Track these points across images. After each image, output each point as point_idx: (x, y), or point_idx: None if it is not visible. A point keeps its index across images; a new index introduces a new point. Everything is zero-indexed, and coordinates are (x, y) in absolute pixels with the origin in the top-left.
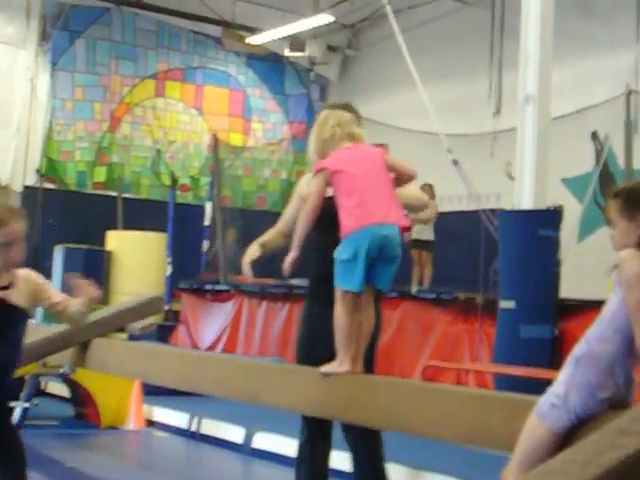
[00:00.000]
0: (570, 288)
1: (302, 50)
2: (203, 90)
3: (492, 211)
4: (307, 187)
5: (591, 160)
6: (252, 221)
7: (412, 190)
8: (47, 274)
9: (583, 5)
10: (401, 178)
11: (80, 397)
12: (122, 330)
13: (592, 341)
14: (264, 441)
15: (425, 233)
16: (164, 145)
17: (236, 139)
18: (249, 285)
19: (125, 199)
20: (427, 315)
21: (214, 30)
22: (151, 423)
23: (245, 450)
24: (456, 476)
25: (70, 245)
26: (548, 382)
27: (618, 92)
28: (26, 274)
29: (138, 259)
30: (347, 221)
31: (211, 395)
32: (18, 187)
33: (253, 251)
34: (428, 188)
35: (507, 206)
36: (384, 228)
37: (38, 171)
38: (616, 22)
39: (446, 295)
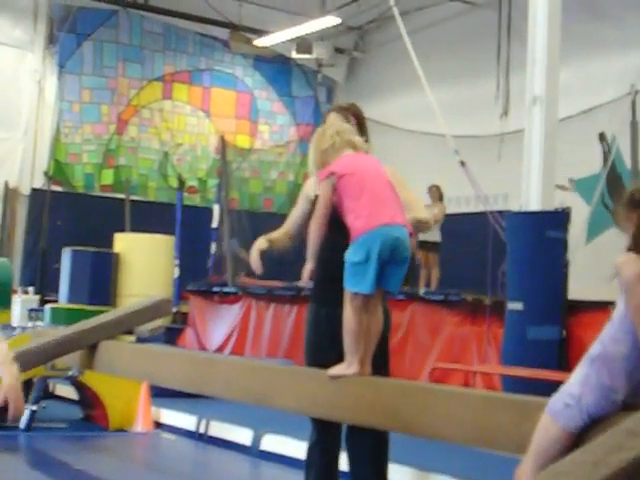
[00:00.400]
0: (578, 289)
1: (309, 52)
2: (210, 92)
3: (500, 213)
4: (313, 190)
5: (599, 161)
6: (259, 223)
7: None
8: (55, 277)
9: (590, 6)
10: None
11: (88, 399)
12: (130, 332)
13: (606, 342)
14: (272, 443)
15: (432, 235)
16: (171, 147)
17: (243, 141)
18: (257, 287)
19: (133, 201)
20: (435, 317)
21: (221, 32)
22: (159, 425)
23: (253, 452)
24: (463, 478)
25: (78, 247)
26: (556, 383)
27: (626, 93)
28: None
29: (146, 261)
30: (356, 224)
31: (219, 397)
32: (26, 189)
33: (261, 243)
34: (435, 190)
35: (515, 207)
36: (394, 229)
37: (46, 173)
38: (624, 23)
39: (454, 297)
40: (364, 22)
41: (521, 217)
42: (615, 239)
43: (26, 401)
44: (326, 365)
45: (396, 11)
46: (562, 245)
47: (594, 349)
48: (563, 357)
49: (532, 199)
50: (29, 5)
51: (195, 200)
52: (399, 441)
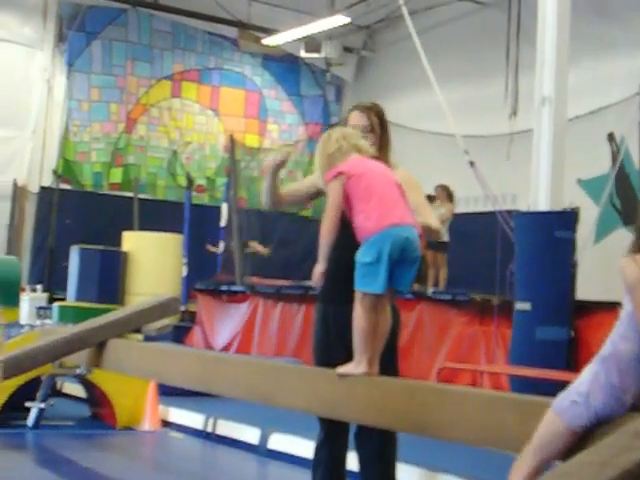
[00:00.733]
0: (586, 290)
1: (318, 51)
2: (219, 91)
3: (508, 212)
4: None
5: (607, 161)
6: (268, 222)
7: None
8: (63, 275)
9: (599, 7)
10: None
11: (96, 397)
12: (138, 331)
13: (616, 340)
14: (280, 442)
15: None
16: (180, 146)
17: (252, 140)
18: (265, 286)
19: (141, 200)
20: (443, 316)
21: (230, 31)
22: (167, 424)
23: (261, 451)
24: (471, 478)
25: (86, 246)
26: (564, 384)
27: (634, 93)
28: None
29: (154, 260)
30: (367, 224)
31: (227, 396)
32: (34, 188)
33: (275, 155)
34: (441, 190)
35: (523, 207)
36: (404, 230)
37: (54, 172)
38: (632, 24)
39: (462, 296)
40: (373, 21)
41: (529, 217)
42: (623, 239)
43: (34, 399)
44: (334, 364)
45: (405, 10)
46: (570, 245)
47: (605, 348)
48: (571, 357)
49: (541, 199)
50: (38, 3)
51: (203, 199)
52: (407, 441)
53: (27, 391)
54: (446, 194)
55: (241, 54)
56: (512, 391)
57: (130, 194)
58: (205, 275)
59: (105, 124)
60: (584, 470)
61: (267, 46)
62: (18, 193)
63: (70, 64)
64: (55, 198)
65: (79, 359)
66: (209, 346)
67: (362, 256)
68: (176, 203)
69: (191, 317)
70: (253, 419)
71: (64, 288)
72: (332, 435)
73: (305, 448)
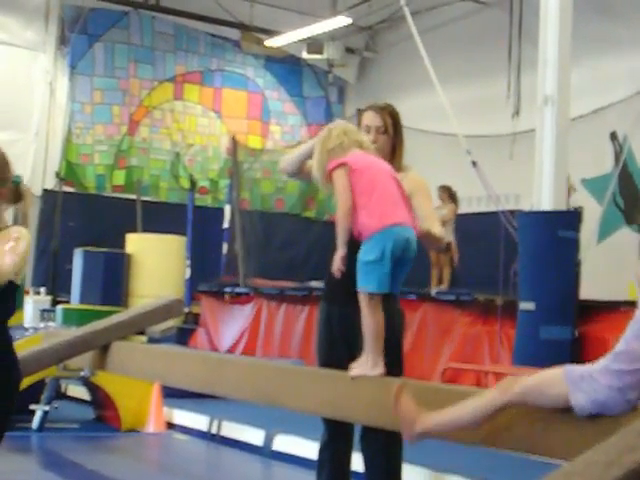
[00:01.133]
0: (590, 289)
1: (320, 52)
2: (221, 93)
3: (511, 212)
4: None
5: (610, 161)
6: (271, 223)
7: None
8: (67, 277)
9: (601, 5)
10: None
11: (100, 400)
12: (142, 333)
13: (629, 339)
14: (284, 443)
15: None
16: (183, 148)
17: (254, 142)
18: (268, 287)
19: (144, 202)
20: (447, 317)
21: (232, 33)
22: (171, 426)
23: (265, 453)
24: (477, 478)
25: (90, 248)
26: None
27: (637, 92)
28: None
29: (157, 262)
30: (369, 221)
31: (231, 397)
32: (37, 190)
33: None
34: (443, 190)
35: (526, 207)
36: (405, 230)
37: (57, 174)
38: (635, 22)
39: (466, 297)
40: (375, 22)
41: (533, 217)
42: (627, 239)
43: (38, 402)
44: (338, 365)
45: (407, 11)
46: (574, 245)
47: (618, 346)
48: (575, 357)
49: (544, 199)
50: (40, 6)
51: (206, 201)
52: None
53: (31, 394)
54: (448, 195)
55: (243, 56)
56: None
57: (133, 196)
58: (208, 277)
59: (108, 126)
60: (590, 469)
61: (269, 47)
62: None
63: (72, 67)
64: (58, 201)
65: (83, 361)
66: (214, 348)
67: (365, 254)
68: (179, 205)
69: (195, 319)
70: (257, 420)
71: (68, 291)
72: (336, 436)
73: (310, 449)
